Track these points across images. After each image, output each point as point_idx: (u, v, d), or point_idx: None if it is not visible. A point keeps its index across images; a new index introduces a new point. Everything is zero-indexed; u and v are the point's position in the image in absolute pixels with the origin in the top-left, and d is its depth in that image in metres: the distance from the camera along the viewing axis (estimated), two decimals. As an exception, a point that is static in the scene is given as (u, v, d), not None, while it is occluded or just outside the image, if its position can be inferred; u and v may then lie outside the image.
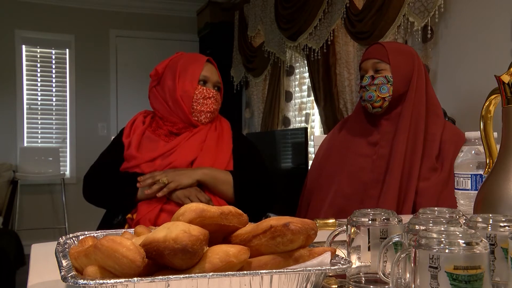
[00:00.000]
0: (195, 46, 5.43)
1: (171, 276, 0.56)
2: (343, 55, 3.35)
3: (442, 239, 0.54)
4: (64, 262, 0.64)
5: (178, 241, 0.56)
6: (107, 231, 0.84)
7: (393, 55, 1.67)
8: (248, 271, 0.59)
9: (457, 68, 2.57)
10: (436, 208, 0.76)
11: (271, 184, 1.72)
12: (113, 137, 1.87)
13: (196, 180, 1.60)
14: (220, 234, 0.66)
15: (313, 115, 4.00)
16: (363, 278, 0.74)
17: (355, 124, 1.78)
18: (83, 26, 5.38)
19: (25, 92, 5.23)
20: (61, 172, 5.17)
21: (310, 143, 3.53)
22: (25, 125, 5.23)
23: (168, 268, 0.60)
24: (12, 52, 5.15)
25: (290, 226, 0.62)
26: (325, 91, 3.50)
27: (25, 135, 5.23)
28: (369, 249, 0.73)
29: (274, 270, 0.59)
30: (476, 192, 0.90)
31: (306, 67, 3.84)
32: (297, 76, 4.25)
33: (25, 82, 5.23)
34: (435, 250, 0.53)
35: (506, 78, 0.84)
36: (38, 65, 5.32)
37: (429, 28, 2.64)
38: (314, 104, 3.75)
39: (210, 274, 0.57)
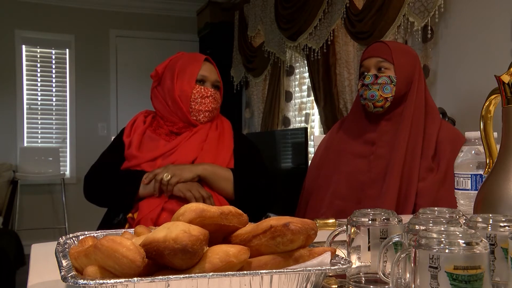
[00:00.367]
0: (195, 46, 5.43)
1: (171, 276, 0.56)
2: (343, 55, 3.35)
3: (442, 239, 0.54)
4: (64, 262, 0.64)
5: (178, 241, 0.56)
6: (107, 231, 0.84)
7: (397, 55, 1.66)
8: (248, 271, 0.59)
9: (457, 68, 2.57)
10: (436, 208, 0.76)
11: (271, 184, 1.72)
12: (113, 137, 1.87)
13: (197, 175, 1.61)
14: (220, 234, 0.66)
15: (313, 115, 4.00)
16: (363, 278, 0.74)
17: (353, 123, 1.78)
18: (83, 26, 5.38)
19: (25, 92, 5.23)
20: (61, 172, 5.17)
21: (310, 143, 3.53)
22: (25, 125, 5.23)
23: (168, 268, 0.60)
24: (12, 52, 5.15)
25: (290, 226, 0.62)
26: (325, 91, 3.50)
27: (25, 135, 5.23)
28: (369, 249, 0.73)
29: (274, 270, 0.59)
30: (476, 192, 0.90)
31: (306, 67, 3.84)
32: (297, 76, 4.25)
33: (25, 82, 5.23)
34: (435, 250, 0.53)
35: (506, 78, 0.84)
36: (38, 65, 5.33)
37: (429, 28, 2.64)
38: (314, 104, 3.75)
39: (210, 274, 0.57)
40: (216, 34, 5.12)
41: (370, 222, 0.73)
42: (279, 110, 4.34)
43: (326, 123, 3.50)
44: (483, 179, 0.90)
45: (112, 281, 0.55)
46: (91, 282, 0.55)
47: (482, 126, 0.95)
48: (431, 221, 0.66)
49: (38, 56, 5.33)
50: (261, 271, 0.59)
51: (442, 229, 0.57)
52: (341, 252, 0.83)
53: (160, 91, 1.77)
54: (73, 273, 0.60)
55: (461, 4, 2.55)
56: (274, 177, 1.80)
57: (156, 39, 5.61)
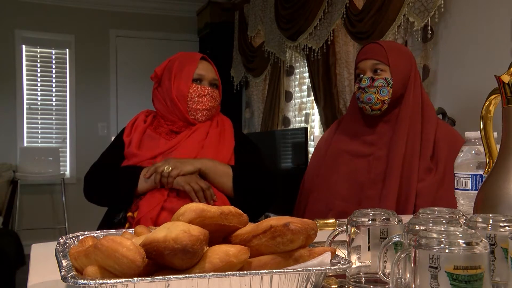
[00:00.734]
0: (195, 46, 5.43)
1: (171, 276, 0.56)
2: (343, 55, 3.35)
3: (442, 239, 0.54)
4: (64, 262, 0.64)
5: (178, 241, 0.56)
6: (107, 231, 0.84)
7: (392, 56, 1.65)
8: (248, 271, 0.59)
9: (457, 68, 2.57)
10: (436, 208, 0.76)
11: (272, 182, 1.72)
12: (113, 137, 1.88)
13: (198, 168, 1.61)
14: (220, 234, 0.66)
15: (313, 115, 4.00)
16: (363, 278, 0.74)
17: (350, 124, 1.77)
18: (83, 26, 5.38)
19: (25, 92, 5.23)
20: (61, 172, 5.17)
21: (310, 143, 3.53)
22: (25, 125, 5.22)
23: (168, 268, 0.60)
24: (12, 52, 5.15)
25: (290, 226, 0.62)
26: (325, 91, 3.50)
27: (25, 135, 5.23)
28: (369, 249, 0.73)
29: (274, 270, 0.59)
30: (476, 192, 0.90)
31: (306, 67, 3.84)
32: (297, 76, 4.25)
33: (25, 82, 5.23)
34: (435, 250, 0.53)
35: (506, 78, 0.84)
36: (38, 65, 5.32)
37: (429, 28, 2.64)
38: (314, 104, 3.75)
39: (210, 274, 0.57)
40: (216, 34, 5.12)
41: (370, 222, 0.73)
42: (279, 110, 4.34)
43: (326, 123, 3.50)
44: (483, 179, 0.90)
45: (112, 281, 0.55)
46: (91, 282, 0.55)
47: (482, 126, 0.95)
48: (431, 221, 0.66)
49: (38, 56, 5.33)
50: (261, 271, 0.59)
51: (442, 229, 0.57)
52: (341, 252, 0.83)
53: (160, 92, 1.78)
54: (73, 273, 0.60)
55: (461, 4, 2.55)
56: (275, 176, 1.80)
57: (156, 39, 5.61)
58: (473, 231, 0.56)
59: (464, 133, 1.19)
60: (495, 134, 0.99)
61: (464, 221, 0.72)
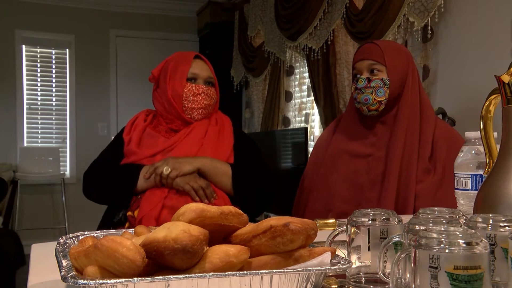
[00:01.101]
0: (195, 46, 5.43)
1: (171, 276, 0.56)
2: (343, 55, 3.35)
3: (442, 239, 0.54)
4: (64, 262, 0.64)
5: (178, 241, 0.56)
6: (107, 231, 0.84)
7: (389, 56, 1.64)
8: (248, 271, 0.59)
9: (457, 68, 2.57)
10: (436, 208, 0.76)
11: (272, 182, 1.72)
12: (113, 137, 1.88)
13: (197, 168, 1.62)
14: (220, 234, 0.66)
15: (313, 115, 4.00)
16: (363, 278, 0.74)
17: (349, 124, 1.76)
18: (83, 26, 5.38)
19: (25, 92, 5.23)
20: (61, 172, 5.17)
21: (310, 143, 3.53)
22: (25, 125, 5.22)
23: (168, 268, 0.60)
24: (12, 52, 5.15)
25: (290, 226, 0.62)
26: (325, 91, 3.50)
27: (25, 135, 5.23)
28: (369, 249, 0.73)
29: (274, 270, 0.59)
30: (476, 192, 0.90)
31: (306, 67, 3.84)
32: (297, 76, 4.25)
33: (25, 82, 5.23)
34: (435, 250, 0.53)
35: (506, 78, 0.84)
36: (38, 65, 5.32)
37: (429, 28, 2.64)
38: (314, 104, 3.75)
39: (210, 274, 0.57)
40: (216, 34, 5.12)
41: (370, 222, 0.73)
42: (279, 110, 4.34)
43: (326, 123, 3.50)
44: (483, 179, 0.90)
45: (112, 281, 0.55)
46: (91, 282, 0.55)
47: (482, 126, 0.95)
48: (431, 221, 0.66)
49: (38, 56, 5.33)
50: (261, 271, 0.59)
51: (442, 229, 0.57)
52: (341, 252, 0.83)
53: (159, 93, 1.79)
54: (73, 273, 0.60)
55: (461, 4, 2.55)
56: (275, 175, 1.80)
57: (156, 39, 5.61)
58: (473, 231, 0.56)
59: (464, 133, 1.19)
60: (495, 134, 0.99)
61: (464, 221, 0.72)
